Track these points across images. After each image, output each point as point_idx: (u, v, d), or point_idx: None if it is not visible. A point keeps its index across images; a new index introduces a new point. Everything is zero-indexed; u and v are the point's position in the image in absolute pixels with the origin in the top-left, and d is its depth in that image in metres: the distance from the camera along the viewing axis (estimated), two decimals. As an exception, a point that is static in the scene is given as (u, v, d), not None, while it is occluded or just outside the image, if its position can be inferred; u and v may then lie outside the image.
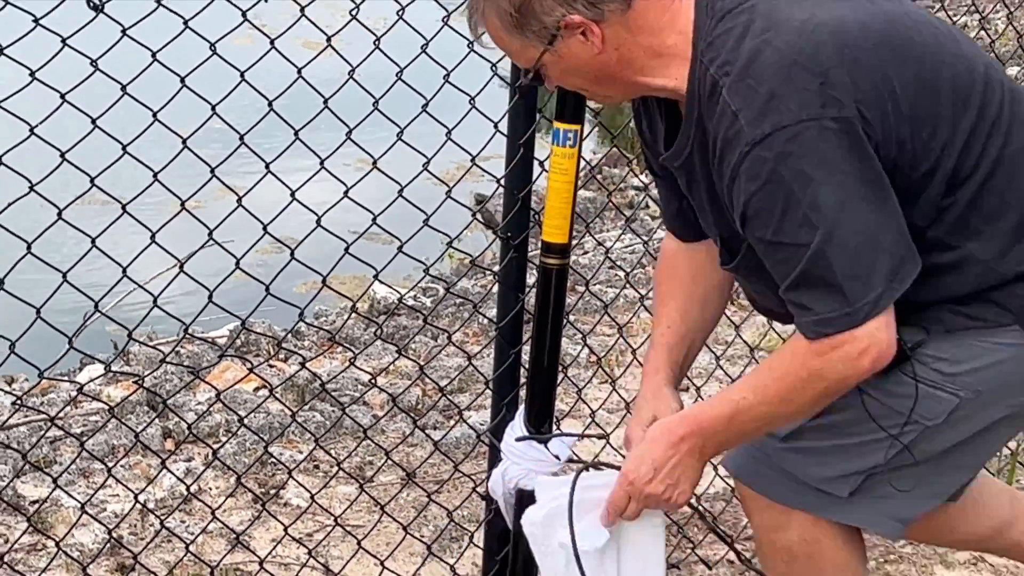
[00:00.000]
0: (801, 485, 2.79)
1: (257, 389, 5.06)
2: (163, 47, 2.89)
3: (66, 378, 5.57)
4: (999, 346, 2.62)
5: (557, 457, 3.15)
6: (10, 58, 2.73)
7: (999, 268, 2.58)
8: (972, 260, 2.58)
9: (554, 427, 3.23)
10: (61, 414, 4.70)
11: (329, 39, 3.11)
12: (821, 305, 2.45)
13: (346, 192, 3.21)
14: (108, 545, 3.99)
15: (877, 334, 2.45)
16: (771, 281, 2.55)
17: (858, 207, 2.41)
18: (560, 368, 3.27)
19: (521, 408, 3.21)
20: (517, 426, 3.21)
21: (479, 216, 3.74)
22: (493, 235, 3.49)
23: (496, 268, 3.49)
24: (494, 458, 3.35)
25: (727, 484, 4.36)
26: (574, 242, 3.24)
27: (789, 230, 2.42)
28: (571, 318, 5.11)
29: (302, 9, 3.06)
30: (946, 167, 2.52)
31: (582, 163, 3.08)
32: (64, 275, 2.96)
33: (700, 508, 2.78)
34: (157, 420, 4.72)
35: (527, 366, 3.22)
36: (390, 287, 4.54)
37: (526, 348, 3.29)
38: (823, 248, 2.40)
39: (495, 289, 3.51)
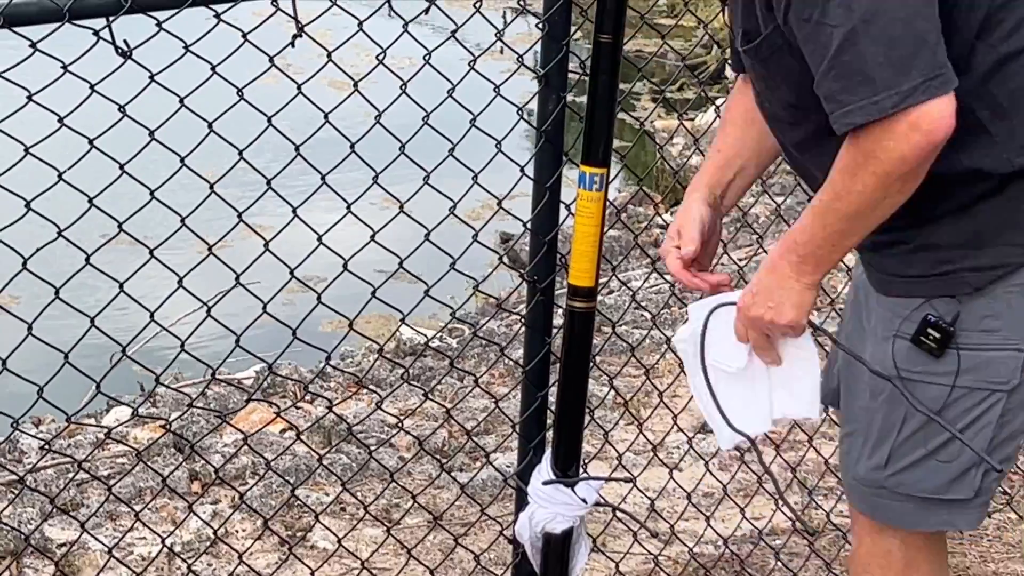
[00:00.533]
0: (929, 502, 2.75)
1: (284, 431, 5.06)
2: (190, 93, 2.91)
3: (93, 419, 5.58)
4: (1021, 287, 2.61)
5: (584, 500, 3.15)
6: (38, 104, 2.75)
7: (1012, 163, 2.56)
8: (986, 150, 2.56)
9: (581, 470, 3.22)
10: (88, 456, 4.70)
11: (356, 83, 3.12)
12: (848, 95, 2.44)
13: (373, 236, 3.21)
14: (135, 588, 3.99)
15: (925, 118, 2.41)
16: (779, 81, 2.60)
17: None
18: (587, 410, 3.27)
19: (548, 451, 3.21)
20: (544, 469, 3.21)
21: (505, 259, 3.74)
22: (519, 276, 3.49)
23: (522, 309, 3.49)
24: (521, 501, 3.35)
25: (754, 526, 4.35)
26: (600, 281, 3.24)
27: (830, 10, 2.40)
28: (597, 359, 5.11)
29: (329, 55, 3.07)
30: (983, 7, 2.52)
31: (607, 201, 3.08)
32: (92, 320, 2.97)
33: (817, 327, 2.77)
34: (184, 462, 4.72)
35: (554, 409, 3.22)
36: (416, 330, 4.54)
37: (553, 390, 3.29)
38: (858, 31, 2.39)
39: (521, 329, 3.51)
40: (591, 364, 3.25)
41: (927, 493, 2.74)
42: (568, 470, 3.18)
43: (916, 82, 2.40)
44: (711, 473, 4.36)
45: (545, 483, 3.16)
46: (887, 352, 2.69)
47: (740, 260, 6.69)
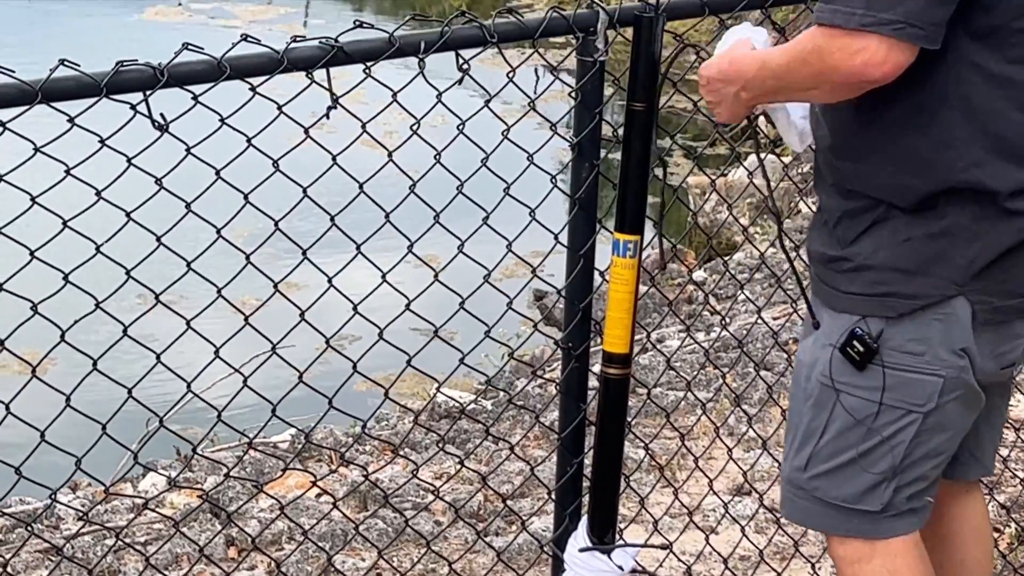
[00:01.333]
0: (840, 509, 2.89)
1: (320, 495, 5.06)
2: (226, 165, 2.92)
3: (129, 484, 5.59)
4: (950, 316, 2.72)
5: (620, 567, 3.15)
6: (76, 178, 2.77)
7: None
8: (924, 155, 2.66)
9: (617, 535, 3.22)
10: (124, 522, 4.71)
11: (391, 154, 3.14)
12: None
13: (408, 305, 3.23)
14: (172, 656, 3.99)
15: (876, 51, 2.52)
16: None
17: None
18: (623, 474, 3.27)
19: (584, 518, 3.20)
20: (580, 536, 3.21)
21: (539, 327, 3.74)
22: (554, 340, 3.49)
23: (556, 367, 3.49)
24: (558, 568, 3.34)
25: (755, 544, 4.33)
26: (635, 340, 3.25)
27: None
28: (632, 421, 5.10)
29: (363, 125, 3.09)
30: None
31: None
32: (129, 391, 2.99)
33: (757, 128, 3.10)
34: (221, 529, 4.72)
35: (589, 475, 3.22)
36: (449, 395, 4.53)
37: (588, 455, 3.29)
38: None
39: (555, 390, 3.51)
40: (627, 428, 3.25)
41: (839, 501, 2.88)
42: (604, 537, 3.18)
43: (895, 18, 2.51)
44: (747, 537, 4.35)
45: (581, 550, 3.16)
46: (825, 359, 2.83)
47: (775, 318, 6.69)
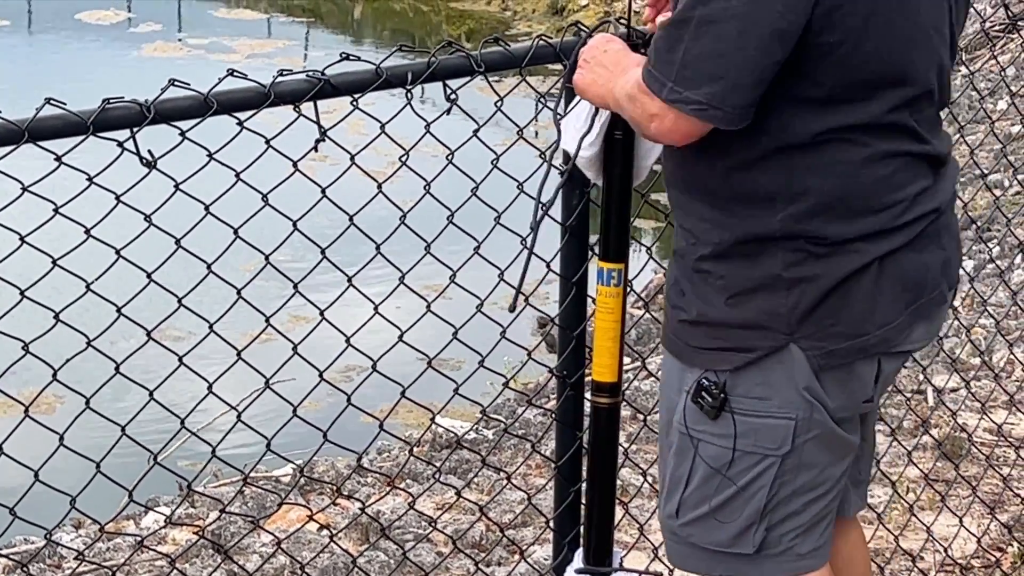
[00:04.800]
0: (716, 554, 2.90)
1: (321, 528, 5.05)
2: (215, 200, 2.93)
3: (131, 521, 5.58)
4: (788, 361, 2.73)
5: (617, 594, 3.14)
6: (65, 216, 2.77)
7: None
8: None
9: (615, 560, 3.21)
10: (126, 561, 4.70)
11: (380, 185, 3.15)
12: (656, 57, 2.62)
13: (401, 336, 3.23)
14: None
15: (669, 120, 2.63)
16: None
17: (742, 29, 2.53)
18: (623, 500, 3.26)
19: (581, 548, 3.20)
20: (577, 564, 3.20)
21: (539, 355, 3.74)
22: (548, 370, 3.49)
23: (552, 403, 3.49)
24: (557, 597, 3.33)
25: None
26: (636, 364, 3.25)
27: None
28: (632, 448, 5.09)
29: (352, 157, 3.09)
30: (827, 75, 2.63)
31: (645, 283, 3.09)
32: (123, 428, 2.99)
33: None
34: (222, 563, 4.71)
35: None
36: (445, 427, 4.53)
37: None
38: (699, 22, 2.55)
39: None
40: (624, 454, 3.25)
41: (712, 546, 2.89)
42: (601, 564, 3.17)
43: (696, 98, 2.58)
44: (750, 561, 4.32)
45: (578, 571, 3.16)
46: (680, 406, 2.85)
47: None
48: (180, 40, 17.81)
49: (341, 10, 20.60)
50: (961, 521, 4.57)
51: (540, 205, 2.98)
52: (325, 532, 4.98)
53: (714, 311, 2.76)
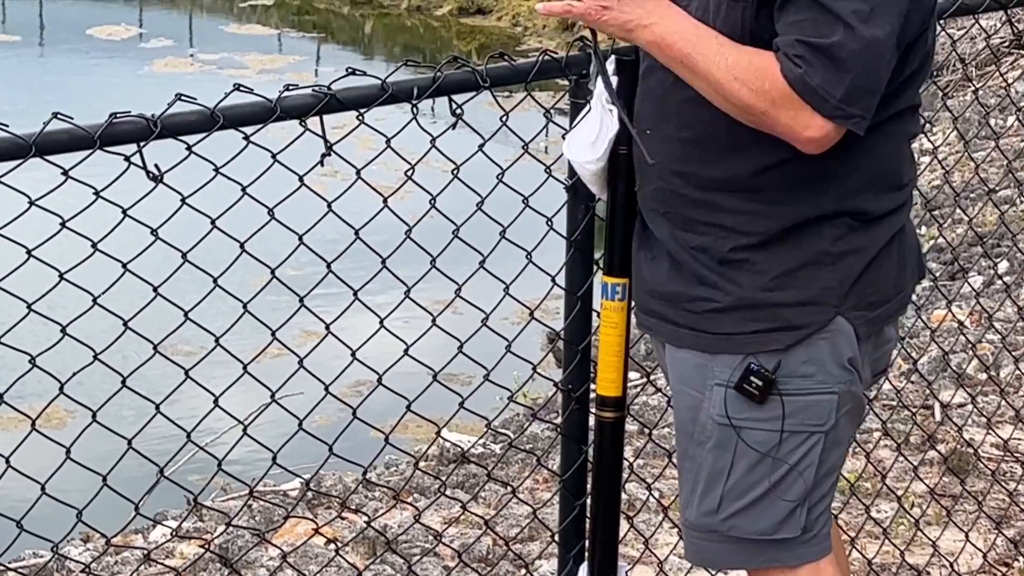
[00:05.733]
0: (758, 543, 2.91)
1: (328, 542, 5.05)
2: (221, 215, 2.94)
3: (140, 535, 5.59)
4: (835, 333, 2.80)
5: (622, 608, 3.14)
6: (72, 230, 2.78)
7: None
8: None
9: (620, 574, 3.21)
10: (130, 573, 4.71)
11: (386, 200, 3.15)
12: (823, 76, 2.60)
13: (406, 351, 3.24)
14: None
15: (826, 132, 2.64)
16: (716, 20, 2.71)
17: (891, 45, 2.64)
18: (629, 515, 3.27)
19: (585, 563, 3.20)
20: (582, 579, 3.20)
21: (545, 369, 3.75)
22: (553, 384, 3.49)
23: (558, 417, 3.49)
24: (562, 611, 3.34)
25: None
26: (644, 380, 3.25)
27: (845, 8, 2.58)
28: (638, 463, 5.09)
29: (358, 172, 3.10)
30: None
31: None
32: (129, 442, 3.00)
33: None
34: (229, 577, 4.72)
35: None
36: (452, 442, 4.53)
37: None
38: (862, 42, 2.58)
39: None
40: (631, 469, 3.25)
41: (758, 535, 2.90)
42: (606, 577, 3.18)
43: (856, 112, 2.64)
44: (756, 575, 4.33)
45: (583, 585, 3.17)
46: (716, 400, 2.84)
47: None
48: (191, 56, 17.87)
49: (352, 26, 20.67)
50: (967, 536, 4.57)
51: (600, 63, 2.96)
52: (332, 546, 4.98)
53: (755, 294, 2.79)
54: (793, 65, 2.61)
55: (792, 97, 2.62)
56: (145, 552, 3.63)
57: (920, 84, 2.86)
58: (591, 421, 3.35)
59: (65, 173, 2.74)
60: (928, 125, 4.24)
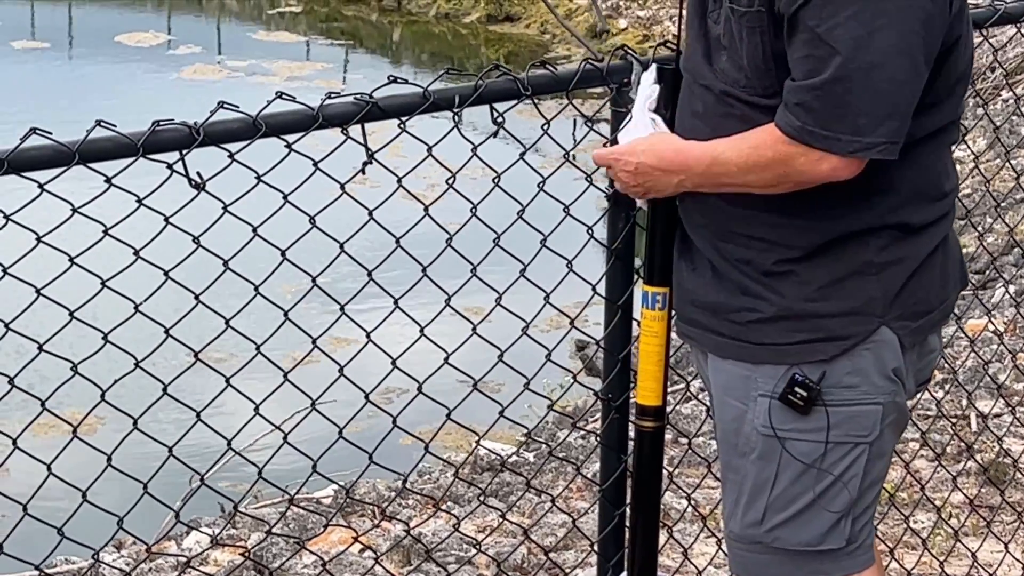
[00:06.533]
0: (803, 555, 2.90)
1: (363, 550, 5.04)
2: (263, 222, 2.94)
3: (173, 542, 5.59)
4: (879, 344, 2.79)
5: (662, 618, 3.13)
6: (114, 238, 2.79)
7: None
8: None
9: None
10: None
11: (427, 208, 3.15)
12: (819, 117, 2.61)
13: (447, 359, 3.23)
14: None
15: (851, 165, 2.65)
16: (737, 52, 2.72)
17: (905, 64, 2.59)
18: (666, 525, 3.25)
19: (625, 572, 3.19)
20: (622, 588, 3.19)
21: (580, 378, 3.73)
22: (593, 394, 3.48)
23: (598, 417, 3.48)
24: (601, 621, 3.33)
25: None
26: (678, 387, 3.24)
27: (839, 35, 2.56)
28: (675, 471, 5.07)
29: (399, 180, 3.09)
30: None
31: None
32: (170, 449, 3.00)
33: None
34: (264, 585, 4.71)
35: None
36: (489, 450, 4.52)
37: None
38: (859, 72, 2.57)
39: (597, 440, 3.49)
40: (668, 478, 3.24)
41: (803, 546, 2.89)
42: (646, 588, 3.16)
43: (877, 140, 2.62)
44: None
45: (622, 597, 3.15)
46: (760, 411, 2.83)
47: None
48: (219, 62, 17.90)
49: (380, 33, 20.68)
50: (1007, 547, 4.54)
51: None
52: (367, 554, 4.97)
53: (800, 304, 2.78)
54: (793, 118, 2.64)
55: (798, 148, 2.65)
56: (185, 559, 3.63)
57: (961, 95, 2.84)
58: (631, 431, 3.34)
59: (108, 180, 2.74)
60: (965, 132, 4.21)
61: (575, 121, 3.33)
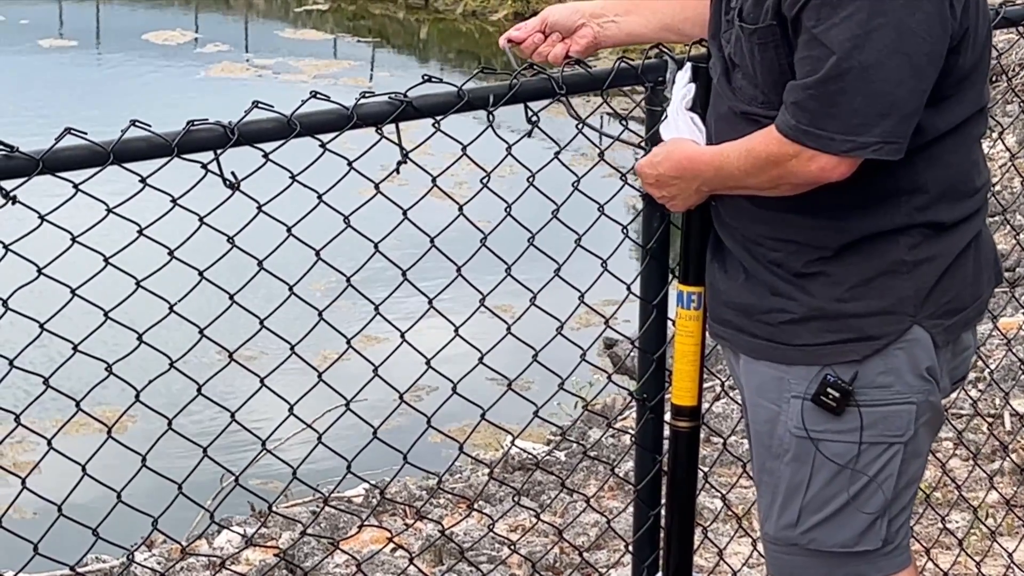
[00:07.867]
0: (839, 556, 2.89)
1: (395, 549, 5.03)
2: (297, 222, 2.93)
3: (204, 540, 5.59)
4: (912, 343, 2.77)
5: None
6: (149, 238, 2.78)
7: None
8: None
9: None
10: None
11: (461, 207, 3.13)
12: (813, 117, 2.60)
13: (481, 359, 3.22)
14: None
15: (846, 165, 2.64)
16: (752, 67, 2.72)
17: (903, 64, 2.56)
18: (700, 525, 3.24)
19: (660, 573, 3.18)
20: (657, 589, 3.18)
21: (614, 379, 3.72)
22: (628, 394, 3.47)
23: (629, 416, 3.47)
24: (636, 622, 3.31)
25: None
26: (709, 385, 3.23)
27: (834, 36, 2.56)
28: (709, 471, 5.05)
29: (434, 180, 3.08)
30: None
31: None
32: (205, 450, 2.99)
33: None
34: (296, 584, 4.71)
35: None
36: (522, 448, 4.51)
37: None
38: (853, 72, 2.56)
39: (629, 439, 3.48)
40: (703, 478, 3.22)
41: (838, 547, 2.88)
42: (682, 589, 3.15)
43: (871, 140, 2.60)
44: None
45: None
46: (793, 412, 2.82)
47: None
48: (246, 61, 17.92)
49: (407, 31, 20.68)
50: (1043, 547, 4.52)
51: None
52: (399, 553, 4.96)
53: (831, 304, 2.77)
54: (789, 117, 2.64)
55: (793, 148, 2.64)
56: (219, 559, 3.62)
57: (981, 84, 2.80)
58: (665, 430, 3.32)
59: (143, 180, 2.73)
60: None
61: (602, 118, 3.32)
